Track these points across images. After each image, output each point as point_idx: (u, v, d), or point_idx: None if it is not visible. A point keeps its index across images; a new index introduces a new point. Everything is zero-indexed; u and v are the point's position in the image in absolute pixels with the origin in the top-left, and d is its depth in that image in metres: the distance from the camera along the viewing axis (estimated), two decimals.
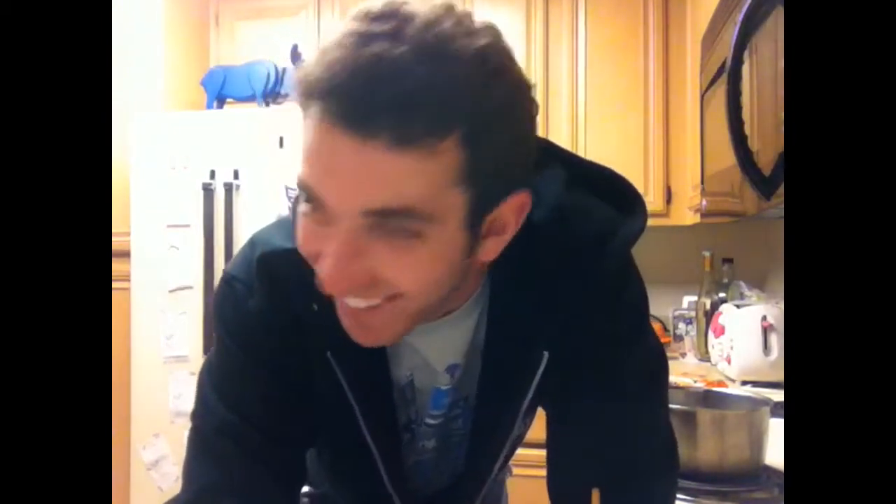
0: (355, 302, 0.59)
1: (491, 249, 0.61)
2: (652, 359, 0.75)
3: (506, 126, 0.55)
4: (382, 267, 0.55)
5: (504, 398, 0.73)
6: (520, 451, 0.87)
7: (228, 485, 0.69)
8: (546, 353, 0.69)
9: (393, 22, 0.51)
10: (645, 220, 0.69)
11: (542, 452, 0.78)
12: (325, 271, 0.55)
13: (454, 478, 0.83)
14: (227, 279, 0.73)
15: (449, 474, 0.83)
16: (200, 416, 0.72)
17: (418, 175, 0.52)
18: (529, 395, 0.72)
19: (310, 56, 0.54)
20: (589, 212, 0.69)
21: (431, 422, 0.77)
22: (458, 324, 0.70)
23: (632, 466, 0.71)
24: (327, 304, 0.65)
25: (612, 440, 0.71)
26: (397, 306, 0.58)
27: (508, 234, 0.61)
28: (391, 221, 0.53)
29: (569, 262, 0.67)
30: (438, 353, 0.72)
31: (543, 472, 0.77)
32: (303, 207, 0.57)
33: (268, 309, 0.69)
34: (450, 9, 0.53)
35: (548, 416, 0.78)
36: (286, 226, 0.69)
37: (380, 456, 0.75)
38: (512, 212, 0.60)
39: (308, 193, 0.55)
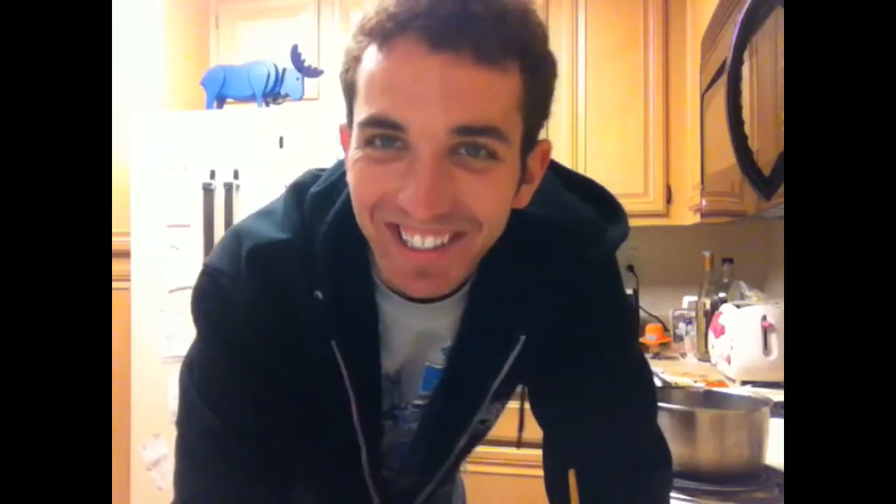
0: (427, 241, 0.59)
1: (524, 196, 0.66)
2: (631, 362, 0.77)
3: (548, 71, 0.62)
4: (464, 191, 0.58)
5: (475, 375, 0.74)
6: (512, 451, 0.87)
7: (218, 494, 0.66)
8: (523, 337, 0.72)
9: None
10: (628, 228, 0.73)
11: (528, 452, 0.80)
12: (413, 197, 0.56)
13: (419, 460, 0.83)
14: (210, 273, 0.69)
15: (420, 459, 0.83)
16: (185, 422, 0.69)
17: (497, 93, 0.57)
18: (501, 376, 0.74)
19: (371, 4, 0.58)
20: (578, 213, 0.73)
21: (419, 402, 0.77)
22: (456, 306, 0.72)
23: (618, 463, 0.73)
24: (333, 291, 0.67)
25: (591, 437, 0.74)
26: (463, 245, 0.61)
27: (535, 183, 0.67)
28: (478, 139, 0.57)
29: (555, 256, 0.70)
30: (438, 334, 0.73)
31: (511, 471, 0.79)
32: (364, 151, 0.59)
33: (259, 304, 0.67)
34: None
35: (535, 414, 0.80)
36: (272, 216, 0.71)
37: (365, 443, 0.75)
38: (538, 161, 0.66)
39: (382, 128, 0.57)
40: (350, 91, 0.61)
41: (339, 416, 0.72)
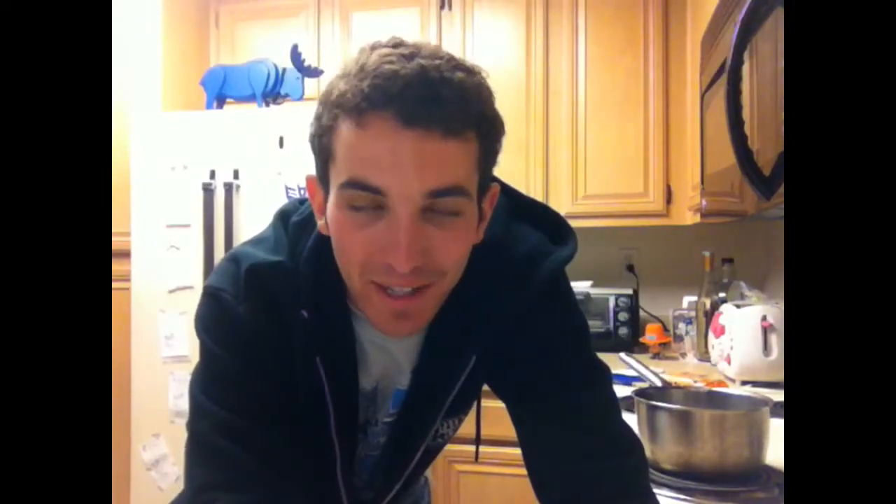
0: (406, 289, 0.68)
1: (479, 232, 0.74)
2: (583, 367, 0.81)
3: (497, 131, 0.70)
4: (435, 245, 0.66)
5: (434, 393, 0.82)
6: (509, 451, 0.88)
7: (230, 481, 0.71)
8: (474, 357, 0.80)
9: (410, 47, 0.64)
10: (575, 249, 0.81)
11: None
12: (395, 253, 0.65)
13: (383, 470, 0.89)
14: (212, 292, 0.75)
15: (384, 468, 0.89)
16: (196, 420, 0.75)
17: (460, 159, 0.65)
18: (454, 393, 0.82)
19: (335, 78, 0.66)
20: (525, 238, 0.80)
21: (388, 420, 0.85)
22: (421, 332, 0.79)
23: (584, 457, 0.77)
24: (316, 312, 0.75)
25: (555, 438, 0.79)
26: (433, 290, 0.69)
27: (487, 219, 0.75)
28: (445, 199, 0.65)
29: (503, 281, 0.77)
30: (406, 358, 0.81)
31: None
32: (346, 215, 0.66)
33: (258, 317, 0.74)
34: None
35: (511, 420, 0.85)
36: (266, 242, 0.78)
37: (340, 453, 0.81)
38: (489, 201, 0.75)
39: (362, 191, 0.64)
40: (325, 154, 0.68)
41: (319, 426, 0.79)
